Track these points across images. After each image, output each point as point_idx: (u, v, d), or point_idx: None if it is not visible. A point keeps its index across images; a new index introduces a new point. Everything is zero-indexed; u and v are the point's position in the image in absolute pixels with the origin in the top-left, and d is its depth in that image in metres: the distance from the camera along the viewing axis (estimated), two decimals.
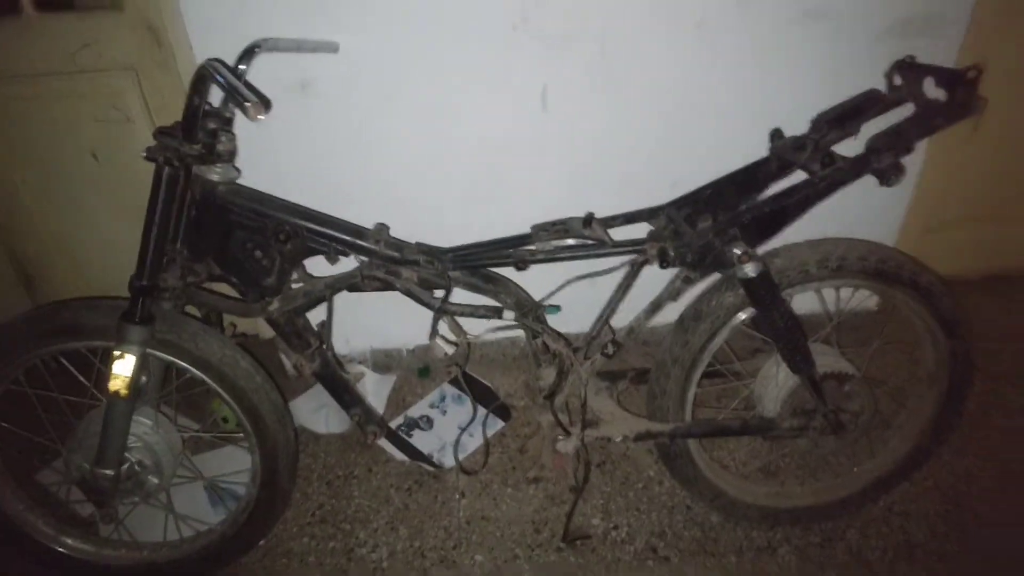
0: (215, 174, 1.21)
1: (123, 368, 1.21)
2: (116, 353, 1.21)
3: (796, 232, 1.37)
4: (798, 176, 1.32)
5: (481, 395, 2.01)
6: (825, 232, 1.42)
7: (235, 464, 1.63)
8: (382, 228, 1.34)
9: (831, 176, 1.27)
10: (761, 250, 1.33)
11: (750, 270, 1.28)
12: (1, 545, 1.48)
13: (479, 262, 1.35)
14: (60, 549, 1.49)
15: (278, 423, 1.39)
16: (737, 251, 1.28)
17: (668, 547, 1.61)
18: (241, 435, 1.42)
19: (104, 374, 1.25)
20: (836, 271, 1.37)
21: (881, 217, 1.99)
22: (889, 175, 1.26)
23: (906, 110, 1.29)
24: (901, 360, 1.86)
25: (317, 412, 1.93)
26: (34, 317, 1.30)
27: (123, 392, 1.23)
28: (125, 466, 1.33)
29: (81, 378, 1.39)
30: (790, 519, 1.64)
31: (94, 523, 1.58)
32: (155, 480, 1.38)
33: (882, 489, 1.65)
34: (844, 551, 1.60)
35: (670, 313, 1.47)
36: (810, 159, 1.29)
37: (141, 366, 1.23)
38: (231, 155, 1.22)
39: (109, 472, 1.30)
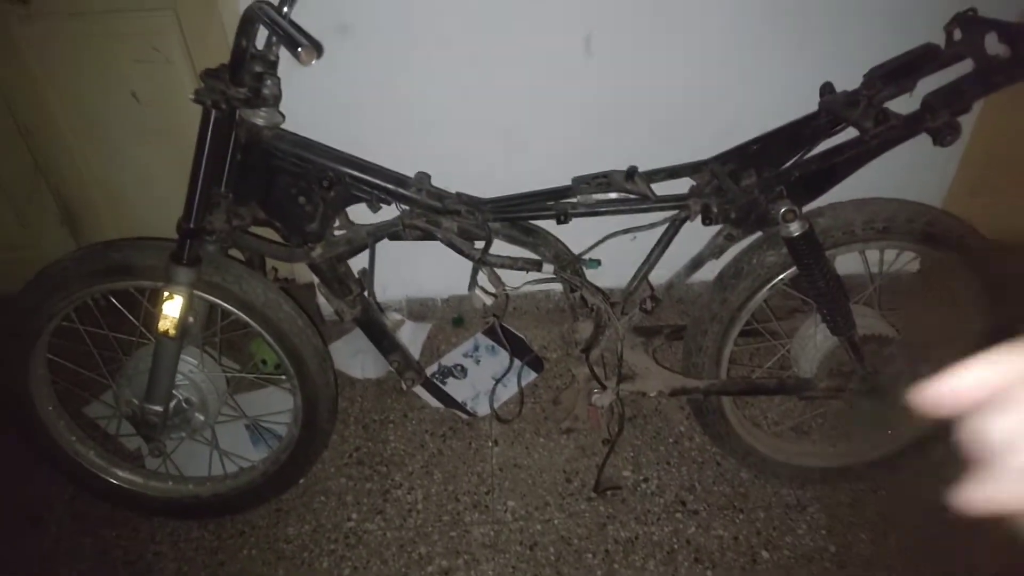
0: (260, 118, 1.21)
1: (172, 308, 1.24)
2: (165, 294, 1.24)
3: (837, 191, 1.33)
4: (848, 134, 1.28)
5: (514, 346, 2.02)
6: (866, 192, 1.38)
7: (275, 405, 1.67)
8: (423, 177, 1.34)
9: (884, 134, 1.22)
10: (806, 209, 1.31)
11: (795, 229, 1.26)
12: (57, 474, 1.54)
13: (519, 213, 1.35)
14: (111, 480, 1.55)
15: (319, 366, 1.42)
16: (782, 209, 1.26)
17: (697, 500, 1.63)
18: (281, 377, 1.46)
19: (152, 313, 1.29)
20: (883, 232, 1.35)
21: (927, 178, 1.93)
22: (945, 134, 1.21)
23: (965, 67, 1.23)
24: (942, 323, 1.83)
25: (354, 357, 1.97)
26: (84, 256, 1.34)
27: (172, 332, 1.26)
28: (173, 403, 1.37)
29: (130, 316, 1.42)
30: (821, 478, 1.65)
31: (141, 456, 1.64)
32: (201, 417, 1.43)
33: (918, 452, 1.64)
34: (874, 512, 1.61)
35: (707, 271, 1.46)
36: (862, 116, 1.23)
37: (188, 307, 1.26)
38: (276, 99, 1.22)
39: (158, 408, 1.34)
